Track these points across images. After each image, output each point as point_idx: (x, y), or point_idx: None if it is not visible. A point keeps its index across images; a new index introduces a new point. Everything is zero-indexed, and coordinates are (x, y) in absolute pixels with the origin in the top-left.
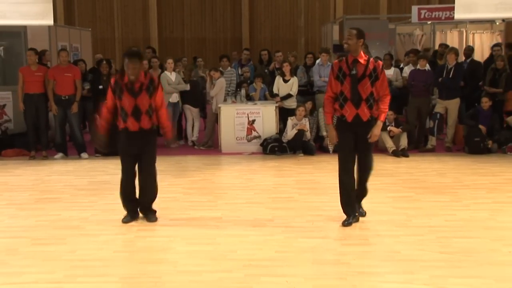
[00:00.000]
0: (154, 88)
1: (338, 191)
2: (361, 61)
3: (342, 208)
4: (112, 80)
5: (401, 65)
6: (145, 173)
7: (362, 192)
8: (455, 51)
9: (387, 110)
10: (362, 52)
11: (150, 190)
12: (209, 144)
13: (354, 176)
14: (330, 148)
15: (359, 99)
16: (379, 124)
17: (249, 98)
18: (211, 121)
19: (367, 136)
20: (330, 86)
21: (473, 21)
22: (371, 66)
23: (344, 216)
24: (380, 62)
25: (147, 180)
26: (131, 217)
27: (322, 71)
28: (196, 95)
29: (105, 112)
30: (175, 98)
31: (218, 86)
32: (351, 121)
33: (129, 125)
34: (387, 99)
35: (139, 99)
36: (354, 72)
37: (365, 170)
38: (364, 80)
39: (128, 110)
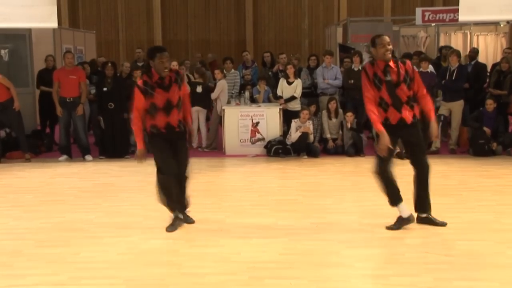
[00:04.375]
0: (181, 79)
1: (381, 188)
2: (392, 66)
3: (389, 201)
4: (140, 82)
5: None
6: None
7: (425, 199)
8: (457, 53)
9: (434, 107)
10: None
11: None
12: (213, 146)
13: (392, 172)
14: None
15: (400, 103)
16: (433, 124)
17: (253, 100)
18: (214, 123)
19: (413, 139)
20: (367, 91)
21: (477, 23)
22: (402, 71)
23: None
24: (409, 62)
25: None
26: (178, 222)
27: (326, 73)
28: (205, 97)
29: (136, 119)
30: None
31: (218, 88)
32: (396, 124)
33: (157, 122)
34: (428, 98)
35: (171, 93)
36: (388, 78)
37: (423, 170)
38: (401, 85)
39: (160, 105)
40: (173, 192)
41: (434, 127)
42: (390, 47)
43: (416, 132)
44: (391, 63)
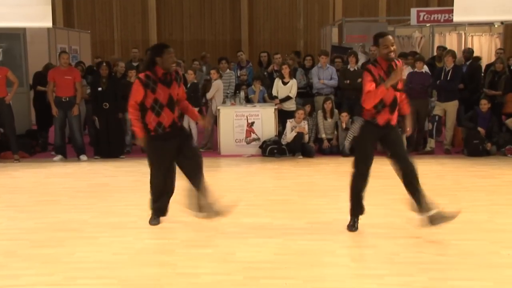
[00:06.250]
0: (180, 78)
1: (349, 195)
2: (394, 66)
3: (350, 210)
4: (142, 75)
5: None
6: (194, 161)
7: (419, 195)
8: (452, 53)
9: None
10: None
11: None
12: (208, 146)
13: (367, 180)
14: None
15: (395, 104)
16: (409, 116)
17: (248, 100)
18: (209, 123)
19: (397, 138)
20: (370, 86)
21: (472, 24)
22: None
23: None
24: (401, 62)
25: (198, 168)
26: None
27: (321, 73)
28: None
29: (133, 109)
30: None
31: (213, 88)
32: (382, 125)
33: (163, 118)
34: (403, 96)
35: (172, 89)
36: None
37: (411, 170)
38: (398, 85)
39: (164, 101)
40: (160, 201)
41: (409, 118)
42: (394, 47)
43: (398, 133)
44: (393, 63)
